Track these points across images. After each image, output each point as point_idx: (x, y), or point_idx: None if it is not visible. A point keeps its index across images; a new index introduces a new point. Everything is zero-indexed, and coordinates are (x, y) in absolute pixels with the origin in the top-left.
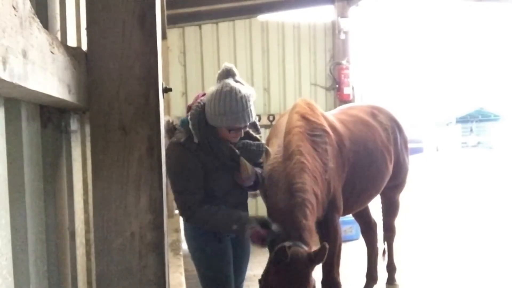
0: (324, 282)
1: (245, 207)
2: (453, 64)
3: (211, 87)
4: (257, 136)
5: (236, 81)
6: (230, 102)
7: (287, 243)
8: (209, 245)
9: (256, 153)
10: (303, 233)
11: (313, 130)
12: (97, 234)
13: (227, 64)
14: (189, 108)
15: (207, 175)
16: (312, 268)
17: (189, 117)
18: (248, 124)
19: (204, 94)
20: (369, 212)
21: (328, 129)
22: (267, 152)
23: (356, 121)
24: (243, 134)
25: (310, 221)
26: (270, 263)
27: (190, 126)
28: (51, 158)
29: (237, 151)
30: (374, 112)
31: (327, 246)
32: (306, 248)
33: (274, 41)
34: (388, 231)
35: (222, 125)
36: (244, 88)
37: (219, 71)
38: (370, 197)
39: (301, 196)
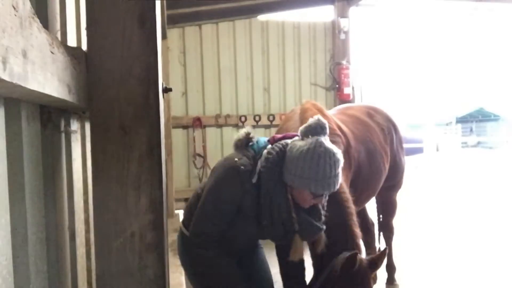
0: None
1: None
2: (453, 64)
3: (299, 142)
4: (322, 212)
5: (328, 140)
6: (325, 166)
7: (347, 253)
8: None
9: (312, 234)
10: (358, 241)
11: (331, 136)
12: (97, 234)
13: (319, 118)
14: (273, 140)
15: (237, 219)
16: (373, 274)
17: (267, 153)
18: (334, 191)
19: (293, 136)
20: (366, 212)
21: (339, 132)
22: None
23: (354, 122)
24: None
25: (359, 229)
26: (333, 272)
27: (260, 165)
28: (51, 158)
29: (296, 224)
30: (371, 112)
31: (387, 251)
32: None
33: (274, 41)
34: (387, 231)
35: (307, 189)
36: (338, 151)
37: (307, 124)
38: (368, 197)
39: (349, 206)
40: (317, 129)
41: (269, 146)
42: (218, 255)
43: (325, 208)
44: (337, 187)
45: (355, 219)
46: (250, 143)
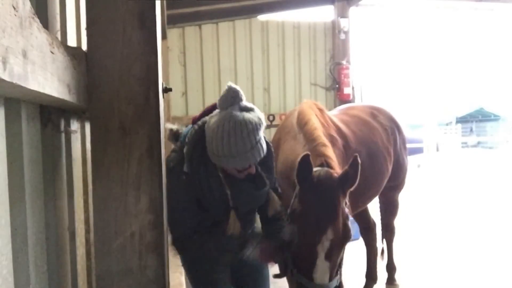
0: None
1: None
2: (453, 64)
3: (213, 118)
4: (264, 176)
5: (242, 108)
6: (236, 142)
7: (315, 169)
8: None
9: (247, 205)
10: (330, 161)
11: (328, 137)
12: (97, 234)
13: (231, 85)
14: (194, 121)
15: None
16: (344, 194)
17: (187, 138)
18: (258, 160)
19: (213, 106)
20: (368, 212)
21: (336, 134)
22: (274, 198)
23: (357, 122)
24: (254, 171)
25: (335, 158)
26: (299, 190)
27: (185, 151)
28: (51, 158)
29: (230, 198)
30: (374, 112)
31: (359, 159)
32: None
33: (274, 41)
34: (388, 231)
35: (228, 166)
36: (252, 118)
37: (222, 94)
38: (371, 198)
39: (323, 152)
40: (227, 99)
41: (190, 128)
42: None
43: (273, 170)
44: (262, 155)
45: (330, 150)
46: (179, 137)
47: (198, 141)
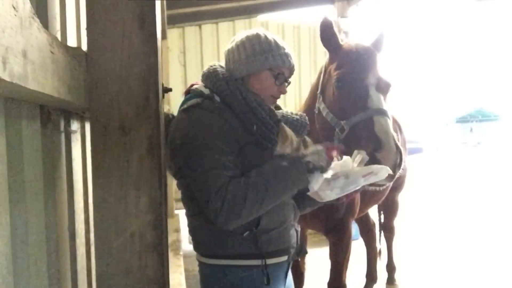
0: (331, 285)
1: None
2: (453, 64)
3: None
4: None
5: None
6: (273, 40)
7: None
8: None
9: (299, 124)
10: None
11: None
12: (97, 234)
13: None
14: (187, 92)
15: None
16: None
17: (199, 86)
18: (293, 71)
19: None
20: (368, 213)
21: None
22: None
23: None
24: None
25: None
26: None
27: (209, 86)
28: (51, 158)
29: (277, 114)
30: None
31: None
32: None
33: None
34: (388, 231)
35: (268, 64)
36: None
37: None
38: (378, 201)
39: None
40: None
41: (194, 88)
42: (246, 176)
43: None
44: (293, 63)
45: None
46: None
47: (218, 73)
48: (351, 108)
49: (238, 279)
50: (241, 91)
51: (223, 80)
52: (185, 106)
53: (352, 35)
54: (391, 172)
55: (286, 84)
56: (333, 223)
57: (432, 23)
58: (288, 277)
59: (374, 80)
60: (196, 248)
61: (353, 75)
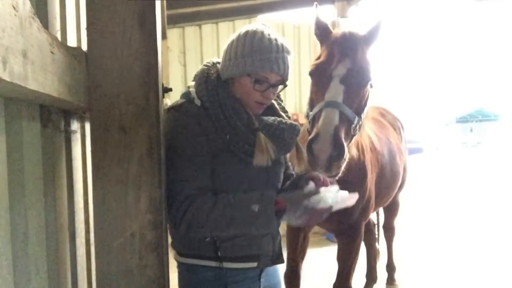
0: (337, 287)
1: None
2: (453, 64)
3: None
4: (285, 114)
5: None
6: (260, 41)
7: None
8: None
9: (287, 132)
10: None
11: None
12: (97, 234)
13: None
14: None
15: (213, 159)
16: (367, 46)
17: (192, 86)
18: (285, 76)
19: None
20: None
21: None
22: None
23: (374, 122)
24: (272, 98)
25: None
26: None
27: (192, 89)
28: (51, 158)
29: (256, 123)
30: (382, 112)
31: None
32: None
33: None
34: (388, 231)
35: (245, 70)
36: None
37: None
38: (387, 201)
39: None
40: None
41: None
42: (216, 197)
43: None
44: (287, 73)
45: None
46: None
47: (211, 72)
48: (316, 100)
49: (201, 277)
50: (220, 97)
51: (204, 83)
52: (168, 106)
53: None
54: (328, 203)
55: (277, 88)
56: (346, 226)
57: (432, 23)
58: (274, 279)
59: (344, 71)
60: (171, 245)
61: (323, 65)
